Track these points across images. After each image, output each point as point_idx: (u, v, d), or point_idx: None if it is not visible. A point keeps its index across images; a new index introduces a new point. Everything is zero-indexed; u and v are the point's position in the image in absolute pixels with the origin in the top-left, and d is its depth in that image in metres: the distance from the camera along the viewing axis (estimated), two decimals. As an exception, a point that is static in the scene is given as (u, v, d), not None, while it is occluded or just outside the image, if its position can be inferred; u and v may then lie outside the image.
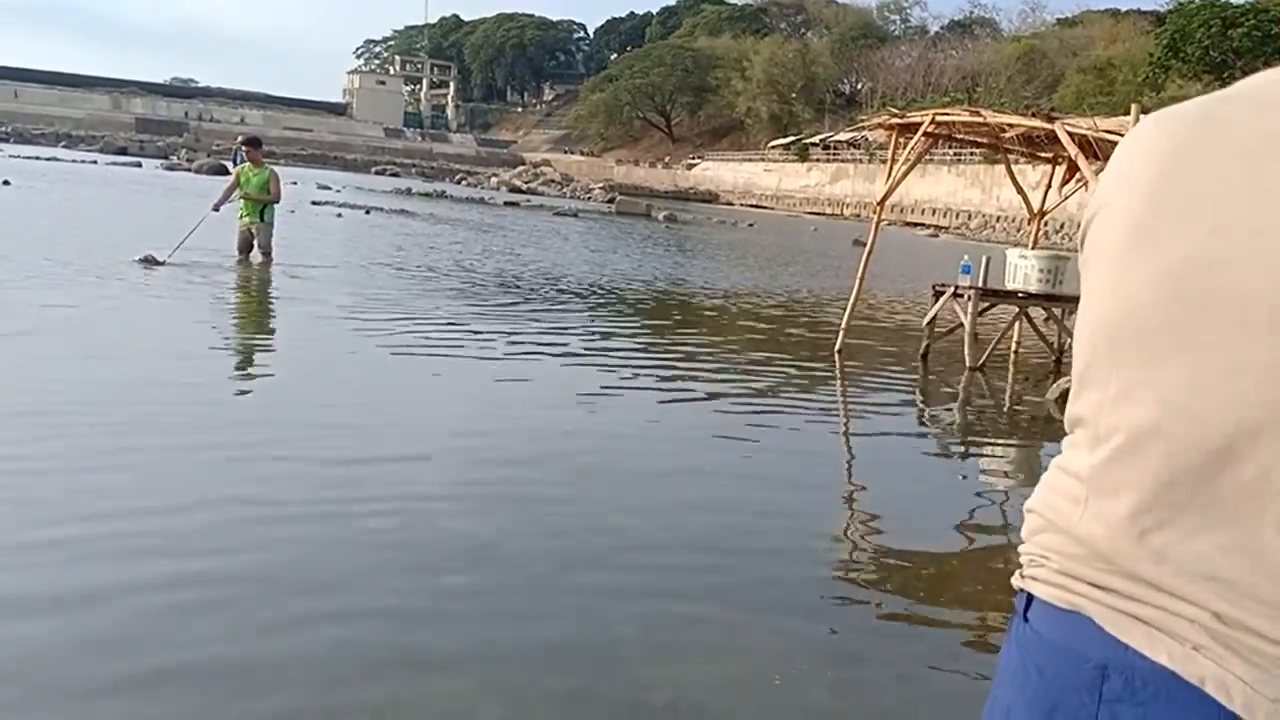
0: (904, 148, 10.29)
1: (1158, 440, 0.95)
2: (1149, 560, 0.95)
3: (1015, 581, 1.10)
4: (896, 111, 10.98)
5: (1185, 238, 0.94)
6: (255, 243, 12.99)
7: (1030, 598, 1.07)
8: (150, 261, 11.74)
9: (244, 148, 13.53)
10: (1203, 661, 0.91)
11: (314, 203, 28.11)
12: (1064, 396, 8.40)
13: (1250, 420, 0.89)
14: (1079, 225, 1.09)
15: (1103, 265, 1.03)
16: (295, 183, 37.19)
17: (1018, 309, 10.32)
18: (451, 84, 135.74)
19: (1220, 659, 0.91)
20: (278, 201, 12.97)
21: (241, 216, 13.10)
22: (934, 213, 59.10)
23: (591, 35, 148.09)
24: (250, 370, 7.65)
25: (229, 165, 32.00)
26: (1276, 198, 0.89)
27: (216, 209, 12.95)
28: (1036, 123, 9.13)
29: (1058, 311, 10.31)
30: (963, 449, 7.30)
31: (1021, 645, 1.06)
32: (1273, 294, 0.88)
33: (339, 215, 25.24)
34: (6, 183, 23.78)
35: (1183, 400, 0.93)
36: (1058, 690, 1.00)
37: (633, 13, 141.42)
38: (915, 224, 56.66)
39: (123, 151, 63.00)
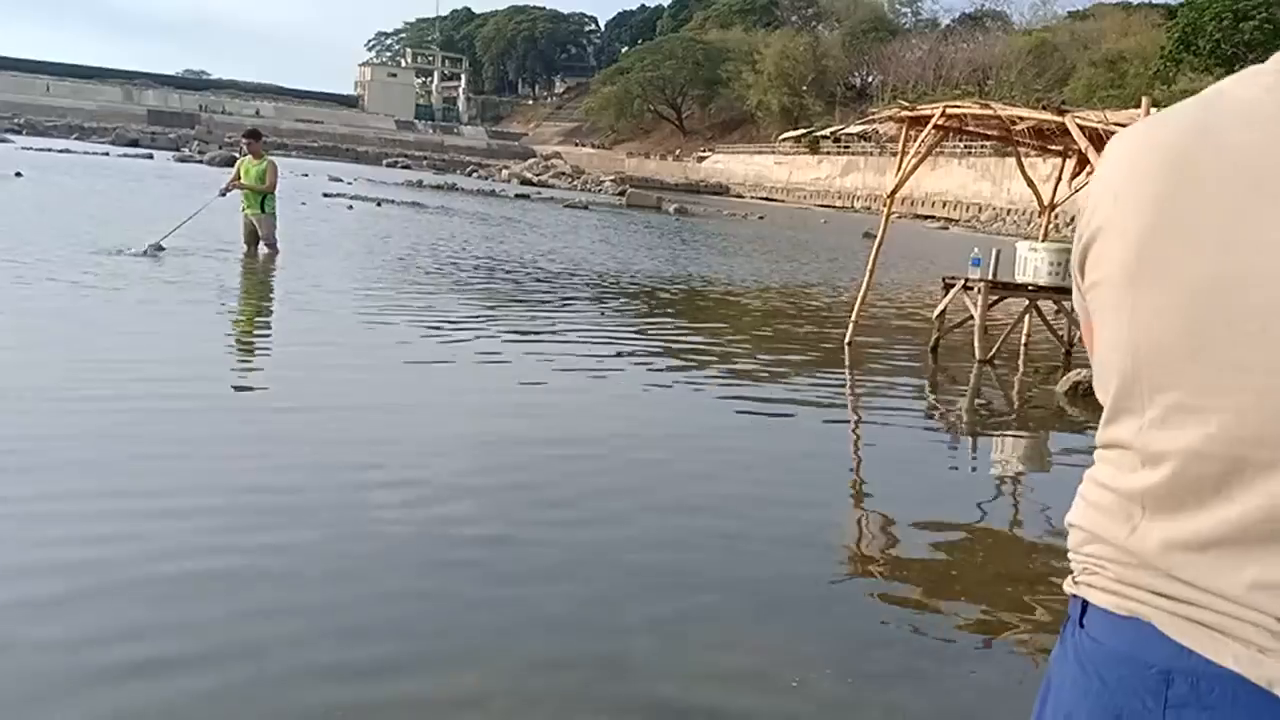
0: (914, 140, 10.26)
1: (1206, 461, 0.94)
2: (1208, 572, 0.94)
3: (1068, 588, 1.09)
4: (907, 104, 10.94)
5: (1199, 259, 0.93)
6: (259, 234, 13.08)
7: (1085, 605, 1.06)
8: (156, 249, 11.91)
9: (244, 140, 13.61)
10: (1270, 664, 0.90)
11: (325, 195, 28.11)
12: (1074, 389, 8.33)
13: None
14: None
15: (1114, 291, 1.01)
16: (306, 175, 37.27)
17: (1028, 302, 10.30)
18: (463, 76, 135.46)
19: None
20: (272, 191, 13.05)
21: (243, 209, 13.22)
22: (944, 205, 58.91)
23: (603, 28, 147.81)
24: (247, 369, 7.69)
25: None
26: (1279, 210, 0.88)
27: (223, 194, 13.17)
28: (1047, 116, 9.12)
29: (1068, 304, 10.29)
30: (972, 441, 7.31)
31: (1079, 652, 1.05)
32: None
33: (350, 207, 25.26)
34: (19, 174, 23.86)
35: (1227, 421, 0.92)
36: (1122, 697, 0.99)
37: (644, 5, 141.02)
38: (925, 217, 56.48)
39: (134, 143, 63.04)
